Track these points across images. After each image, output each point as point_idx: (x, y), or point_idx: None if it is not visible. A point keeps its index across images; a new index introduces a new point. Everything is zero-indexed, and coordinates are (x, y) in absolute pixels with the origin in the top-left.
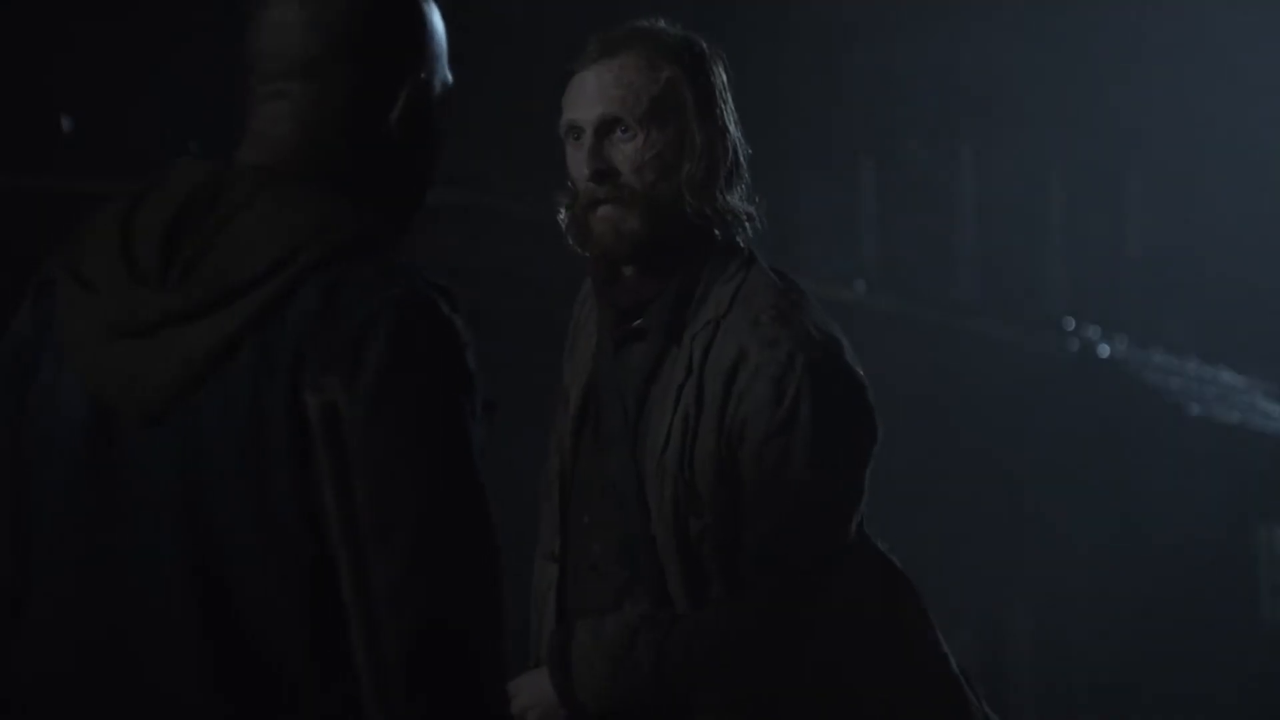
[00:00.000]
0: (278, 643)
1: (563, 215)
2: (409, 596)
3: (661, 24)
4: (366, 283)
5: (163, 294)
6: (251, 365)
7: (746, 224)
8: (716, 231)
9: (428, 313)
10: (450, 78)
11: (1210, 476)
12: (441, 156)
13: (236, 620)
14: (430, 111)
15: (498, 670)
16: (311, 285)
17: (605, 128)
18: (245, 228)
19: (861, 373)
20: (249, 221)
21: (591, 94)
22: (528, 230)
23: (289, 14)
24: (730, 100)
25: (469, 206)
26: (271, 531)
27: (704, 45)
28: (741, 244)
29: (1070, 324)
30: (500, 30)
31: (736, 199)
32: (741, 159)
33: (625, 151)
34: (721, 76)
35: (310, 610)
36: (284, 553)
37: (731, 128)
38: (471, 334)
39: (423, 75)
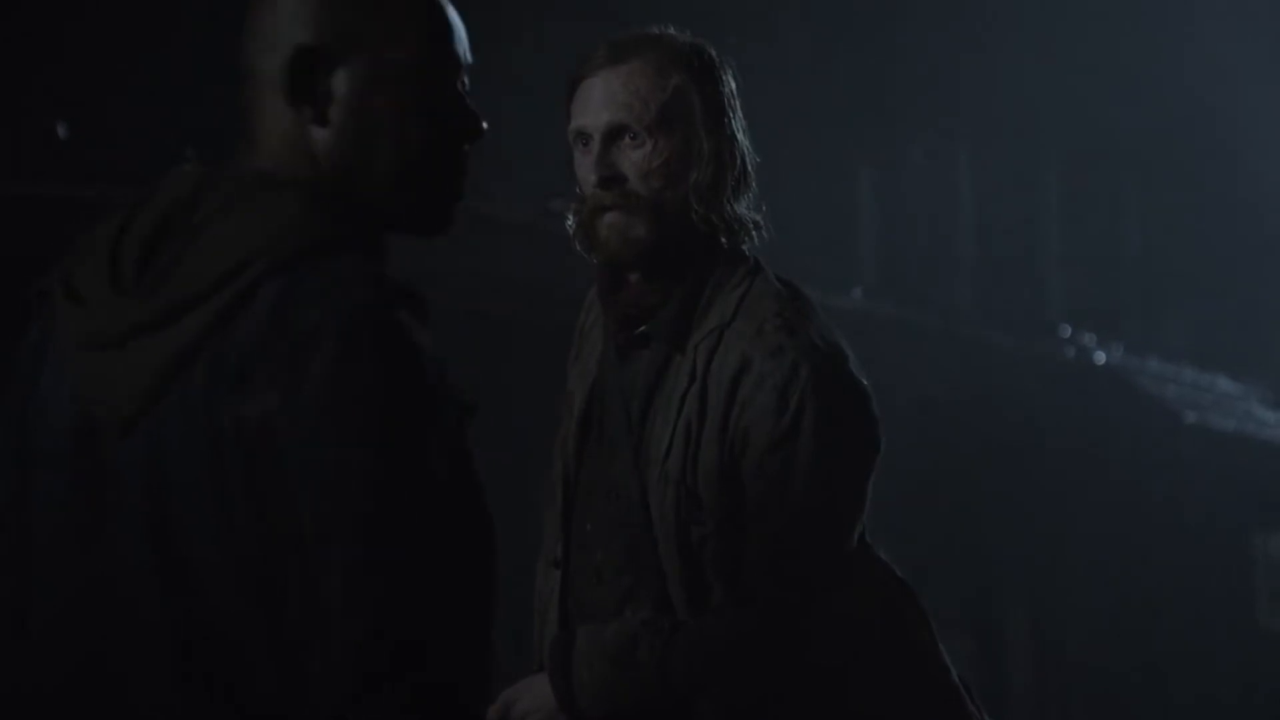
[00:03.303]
0: (247, 656)
1: (569, 221)
2: (354, 609)
3: (670, 30)
4: (318, 289)
5: (133, 304)
6: (206, 375)
7: (753, 232)
8: (723, 239)
9: (378, 320)
10: (441, 75)
11: (1206, 484)
12: (429, 159)
13: (207, 635)
14: (415, 109)
15: (451, 680)
16: (265, 292)
17: (613, 134)
18: (212, 236)
19: (865, 383)
20: (217, 230)
21: (599, 100)
22: (525, 236)
23: (274, 2)
24: (739, 108)
25: (466, 212)
26: (231, 543)
27: (713, 52)
28: (747, 252)
29: (1066, 331)
30: (498, 36)
31: (743, 207)
32: (749, 167)
33: (633, 158)
34: (730, 84)
35: (276, 623)
36: (244, 565)
37: (739, 135)
38: (432, 340)
39: (401, 65)
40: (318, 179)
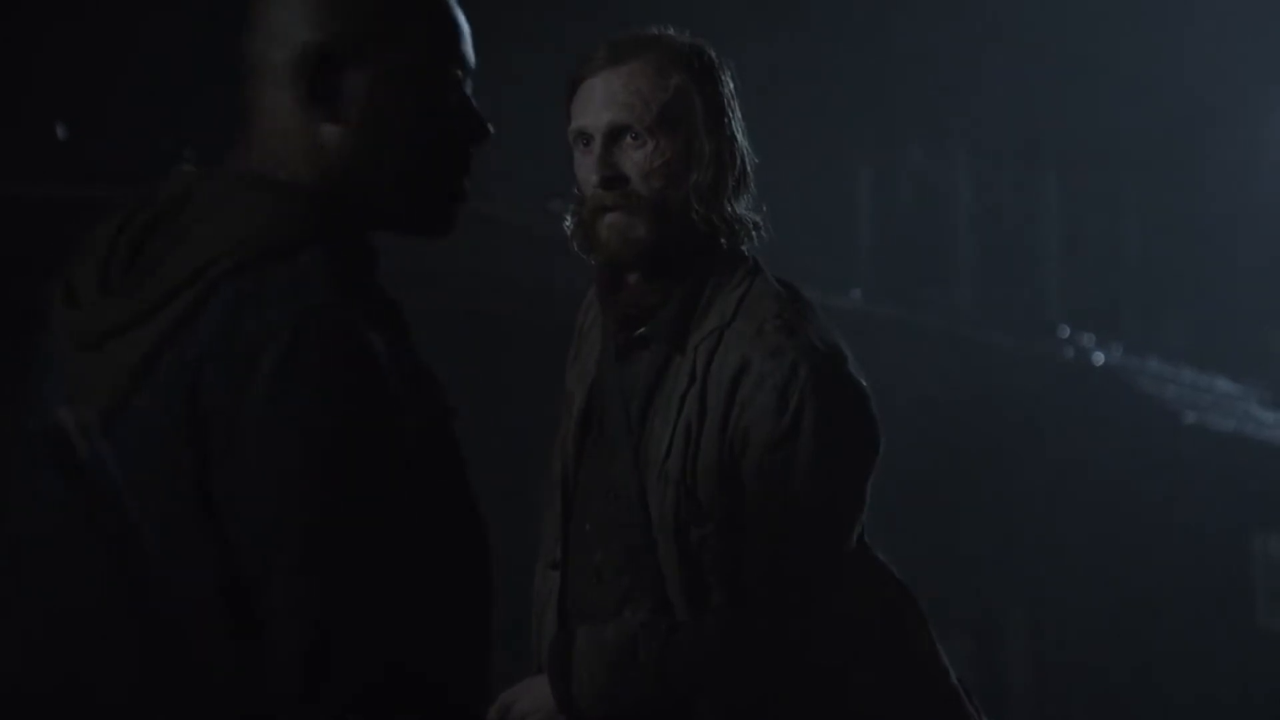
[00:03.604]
0: (208, 656)
1: (569, 221)
2: (296, 612)
3: (670, 30)
4: (276, 289)
5: (115, 304)
6: (168, 376)
7: (753, 232)
8: (723, 240)
9: (330, 320)
10: (446, 77)
11: (1206, 484)
12: (433, 161)
13: (169, 637)
14: (420, 111)
15: (442, 680)
16: (226, 292)
17: (614, 134)
18: (191, 237)
19: (865, 383)
20: (197, 230)
21: (600, 101)
22: (525, 236)
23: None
24: (738, 109)
25: (466, 212)
26: (191, 544)
27: (712, 53)
28: (747, 252)
29: (1066, 331)
30: (498, 36)
31: (743, 207)
32: (749, 168)
33: (634, 158)
34: (729, 85)
35: (237, 625)
36: (204, 567)
37: (739, 136)
38: (394, 341)
39: (408, 67)
40: (315, 178)
